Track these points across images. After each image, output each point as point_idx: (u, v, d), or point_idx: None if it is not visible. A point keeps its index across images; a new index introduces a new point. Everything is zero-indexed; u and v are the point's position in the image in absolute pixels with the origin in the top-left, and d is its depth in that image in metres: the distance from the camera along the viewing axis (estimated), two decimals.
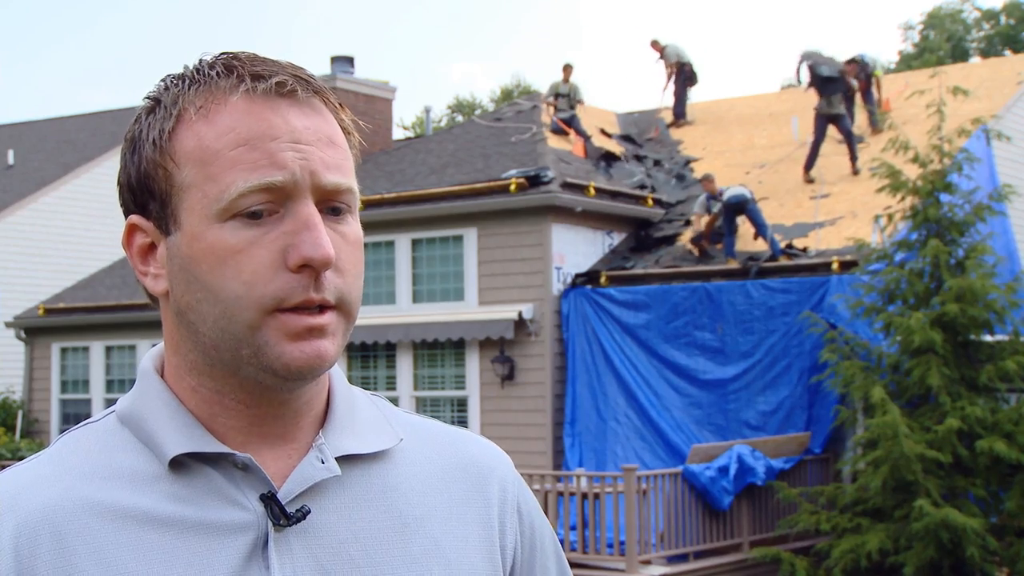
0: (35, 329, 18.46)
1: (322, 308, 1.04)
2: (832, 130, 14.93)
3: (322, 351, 1.03)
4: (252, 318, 1.02)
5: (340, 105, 1.10)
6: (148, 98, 1.09)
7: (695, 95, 18.64)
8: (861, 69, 15.43)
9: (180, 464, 1.06)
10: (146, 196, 1.07)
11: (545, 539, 1.22)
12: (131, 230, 1.09)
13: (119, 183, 1.10)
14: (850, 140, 14.69)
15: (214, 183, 1.02)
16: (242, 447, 1.07)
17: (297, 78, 1.05)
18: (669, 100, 18.40)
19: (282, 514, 1.04)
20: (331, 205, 1.05)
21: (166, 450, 1.05)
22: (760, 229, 13.37)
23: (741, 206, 13.34)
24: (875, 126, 15.41)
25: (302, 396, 1.09)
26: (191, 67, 1.08)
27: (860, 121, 15.87)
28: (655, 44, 18.07)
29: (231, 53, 1.08)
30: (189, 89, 1.05)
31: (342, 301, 1.05)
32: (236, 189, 1.01)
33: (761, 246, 13.58)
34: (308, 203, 1.03)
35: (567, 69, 16.68)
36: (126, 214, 1.10)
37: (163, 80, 1.09)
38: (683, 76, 17.96)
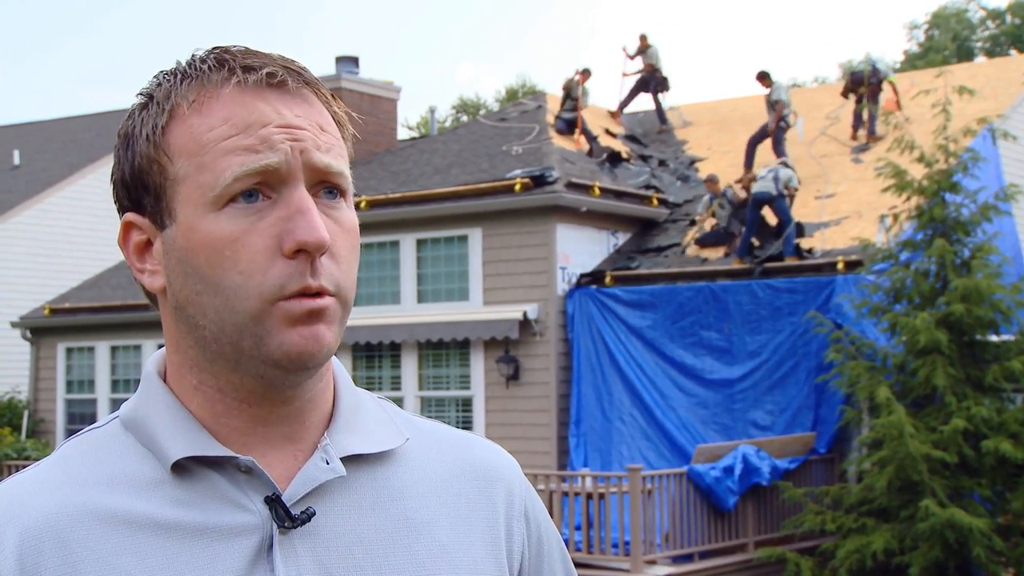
0: (41, 329, 18.48)
1: (319, 293, 1.04)
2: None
3: (320, 335, 1.03)
4: (253, 307, 1.02)
5: (332, 96, 1.11)
6: (142, 94, 1.09)
7: (699, 95, 18.66)
8: (873, 74, 15.49)
9: (183, 468, 1.05)
10: (140, 192, 1.07)
11: (552, 544, 1.21)
12: (127, 228, 1.09)
13: (113, 180, 1.10)
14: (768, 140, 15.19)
15: (208, 171, 1.03)
16: (246, 449, 1.06)
17: (288, 69, 1.06)
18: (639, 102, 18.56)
19: (287, 516, 1.04)
20: (325, 186, 1.06)
21: (168, 454, 1.05)
22: (784, 225, 13.30)
23: (767, 202, 13.29)
24: (872, 134, 15.50)
25: (305, 395, 1.09)
26: (183, 62, 1.09)
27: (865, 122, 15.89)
28: (643, 39, 18.07)
29: (222, 47, 1.08)
30: (181, 84, 1.06)
31: (339, 288, 1.05)
32: (231, 173, 1.02)
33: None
34: (300, 188, 1.04)
35: (585, 74, 16.71)
36: (120, 211, 1.10)
37: (156, 76, 1.09)
38: (654, 81, 17.97)
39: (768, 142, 15.28)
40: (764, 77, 15.40)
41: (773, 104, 15.16)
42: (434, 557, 1.09)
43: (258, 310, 1.02)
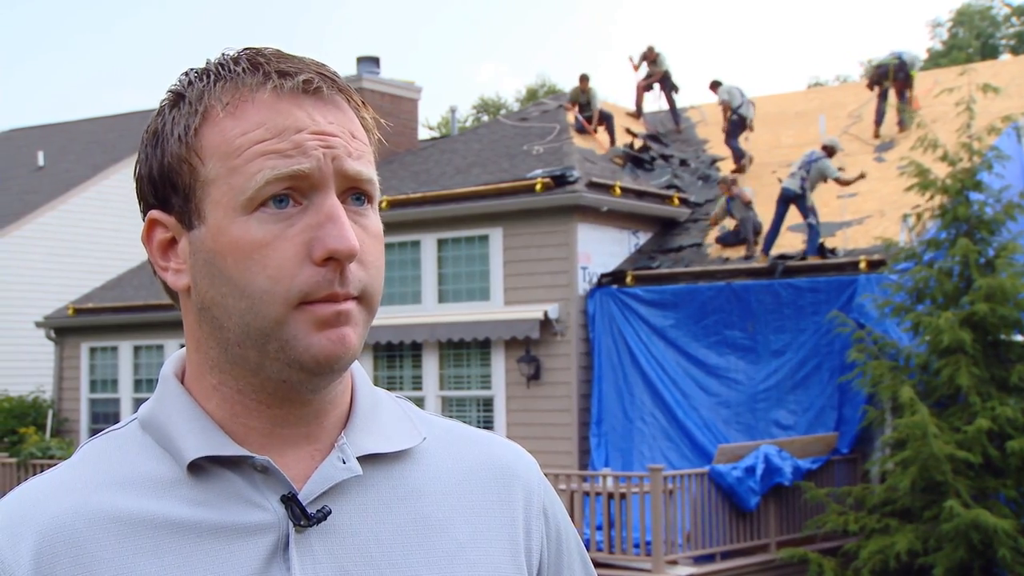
0: (64, 329, 18.61)
1: (345, 298, 1.04)
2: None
3: (346, 338, 1.04)
4: (278, 313, 1.02)
5: (362, 103, 1.11)
6: (171, 92, 1.09)
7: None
8: (900, 68, 15.55)
9: (199, 468, 1.05)
10: (168, 190, 1.07)
11: (571, 542, 1.21)
12: (151, 225, 1.09)
13: (139, 175, 1.10)
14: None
15: (240, 174, 1.03)
16: (263, 449, 1.07)
17: (322, 76, 1.07)
18: (654, 101, 18.93)
19: (303, 515, 1.04)
20: (354, 192, 1.06)
21: (184, 454, 1.05)
22: (806, 225, 13.22)
23: (792, 199, 13.23)
24: (902, 125, 15.41)
25: (324, 396, 1.09)
26: (214, 62, 1.08)
27: (889, 118, 15.84)
28: (651, 50, 18.21)
29: (255, 49, 1.08)
30: (215, 85, 1.06)
31: (365, 294, 1.05)
32: (263, 177, 1.02)
33: (786, 245, 13.48)
34: (331, 195, 1.04)
35: (583, 79, 16.78)
36: (144, 207, 1.10)
37: (185, 74, 1.09)
38: (668, 85, 18.25)
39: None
40: (715, 85, 16.59)
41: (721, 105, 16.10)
42: (451, 555, 1.09)
43: (282, 315, 1.02)
